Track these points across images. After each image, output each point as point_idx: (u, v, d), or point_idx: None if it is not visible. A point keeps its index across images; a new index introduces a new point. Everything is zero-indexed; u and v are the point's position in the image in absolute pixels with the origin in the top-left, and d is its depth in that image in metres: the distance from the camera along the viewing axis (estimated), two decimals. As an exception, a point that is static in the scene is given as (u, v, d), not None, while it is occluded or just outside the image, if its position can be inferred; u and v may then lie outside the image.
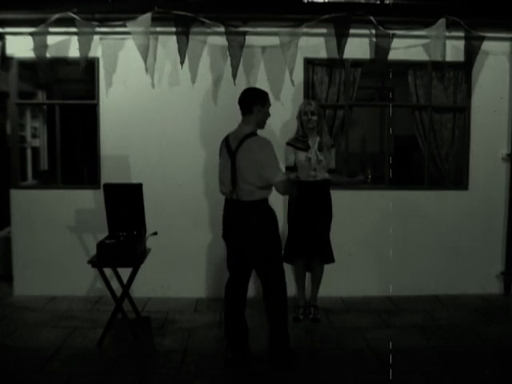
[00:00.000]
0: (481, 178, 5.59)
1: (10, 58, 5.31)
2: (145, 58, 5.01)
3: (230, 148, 3.70)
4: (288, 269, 4.80)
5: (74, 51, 5.19)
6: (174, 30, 5.06)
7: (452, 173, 5.73)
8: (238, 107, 5.28)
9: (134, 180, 4.96)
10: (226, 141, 3.79)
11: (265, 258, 3.72)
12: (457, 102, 5.63)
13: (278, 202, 5.27)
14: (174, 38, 5.09)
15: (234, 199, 3.68)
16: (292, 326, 4.36)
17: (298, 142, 4.70)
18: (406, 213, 5.57)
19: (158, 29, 5.16)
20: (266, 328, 3.89)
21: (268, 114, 3.84)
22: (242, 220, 3.69)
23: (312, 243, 4.67)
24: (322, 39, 5.36)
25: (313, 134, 4.70)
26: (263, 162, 3.56)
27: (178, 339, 4.37)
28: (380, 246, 5.54)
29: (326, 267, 4.81)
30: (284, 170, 4.49)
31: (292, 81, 5.17)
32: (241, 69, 5.21)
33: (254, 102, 3.72)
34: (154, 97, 5.34)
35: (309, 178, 4.61)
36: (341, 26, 5.10)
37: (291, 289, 4.60)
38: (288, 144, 4.75)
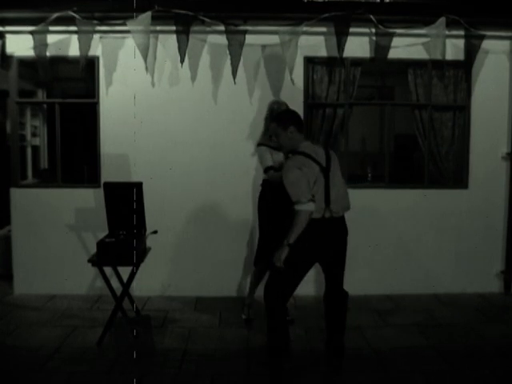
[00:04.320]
0: (481, 177, 5.59)
1: (10, 57, 5.31)
2: (145, 57, 5.01)
3: (319, 163, 3.53)
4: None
5: (74, 50, 5.19)
6: (174, 28, 5.05)
7: (452, 171, 5.73)
8: (238, 106, 5.34)
9: (134, 179, 4.96)
10: (311, 157, 3.52)
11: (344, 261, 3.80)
12: (457, 100, 5.63)
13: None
14: (174, 36, 5.08)
15: (326, 217, 3.55)
16: (290, 326, 4.37)
17: (272, 143, 4.42)
18: (405, 211, 5.57)
19: (158, 27, 5.16)
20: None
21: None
22: (343, 236, 3.72)
23: None
24: (321, 38, 5.36)
25: None
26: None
27: (178, 338, 4.37)
28: (380, 244, 5.55)
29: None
30: (264, 170, 4.44)
31: (292, 79, 5.17)
32: (241, 68, 5.21)
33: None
34: (154, 95, 5.34)
35: None
36: (341, 24, 5.09)
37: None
38: (262, 144, 4.50)
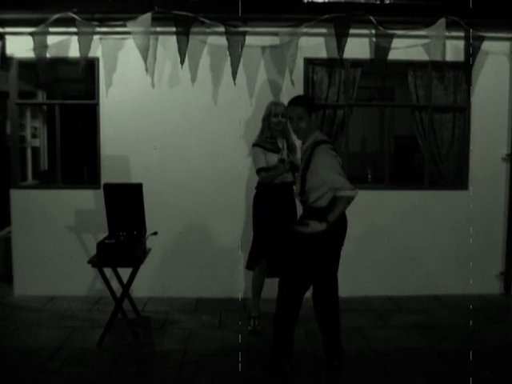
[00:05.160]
0: (481, 178, 5.59)
1: (10, 58, 5.31)
2: (145, 58, 5.02)
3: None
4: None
5: (73, 51, 5.19)
6: (174, 29, 5.06)
7: (452, 173, 5.73)
8: (238, 107, 5.34)
9: (134, 180, 4.96)
10: (332, 145, 3.67)
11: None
12: (457, 101, 5.63)
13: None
14: (174, 37, 5.09)
15: None
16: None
17: (267, 144, 4.49)
18: (405, 213, 5.57)
19: (158, 29, 5.17)
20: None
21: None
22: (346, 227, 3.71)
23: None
24: (321, 39, 5.36)
25: (279, 136, 4.53)
26: None
27: (178, 339, 4.37)
28: (380, 245, 5.55)
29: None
30: (256, 172, 4.45)
31: (292, 81, 5.17)
32: (241, 69, 5.21)
33: None
34: (154, 97, 5.34)
35: (282, 179, 4.43)
36: (341, 25, 5.10)
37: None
38: (257, 145, 4.50)
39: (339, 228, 3.58)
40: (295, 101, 3.74)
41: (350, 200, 3.44)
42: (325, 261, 3.63)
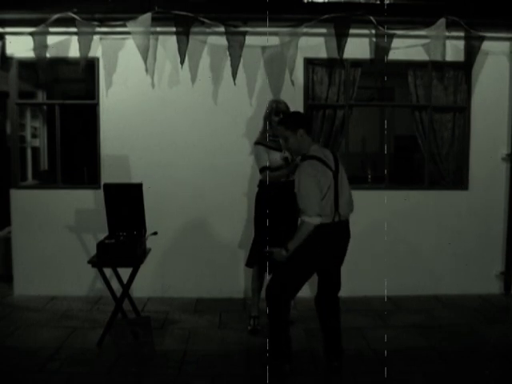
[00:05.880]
0: (481, 178, 5.59)
1: (10, 58, 5.32)
2: (145, 58, 5.02)
3: (330, 168, 3.52)
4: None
5: (74, 51, 5.19)
6: (174, 29, 5.06)
7: (452, 173, 5.73)
8: (238, 107, 5.34)
9: (134, 180, 4.97)
10: (324, 162, 3.50)
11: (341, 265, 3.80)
12: (457, 101, 5.63)
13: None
14: (174, 37, 5.09)
15: (335, 221, 3.52)
16: (290, 327, 4.36)
17: (270, 142, 4.46)
18: (405, 213, 5.57)
19: (158, 29, 5.17)
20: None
21: None
22: (347, 239, 3.70)
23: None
24: (321, 39, 5.36)
25: None
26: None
27: (178, 339, 4.37)
28: (380, 245, 5.54)
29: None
30: (260, 170, 4.44)
31: (292, 81, 5.17)
32: (241, 69, 5.21)
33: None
34: (153, 97, 5.34)
35: (286, 178, 4.42)
36: (341, 25, 5.10)
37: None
38: (259, 144, 4.49)
39: (334, 242, 3.60)
40: (278, 121, 3.75)
41: (312, 226, 3.39)
42: (316, 266, 3.65)
